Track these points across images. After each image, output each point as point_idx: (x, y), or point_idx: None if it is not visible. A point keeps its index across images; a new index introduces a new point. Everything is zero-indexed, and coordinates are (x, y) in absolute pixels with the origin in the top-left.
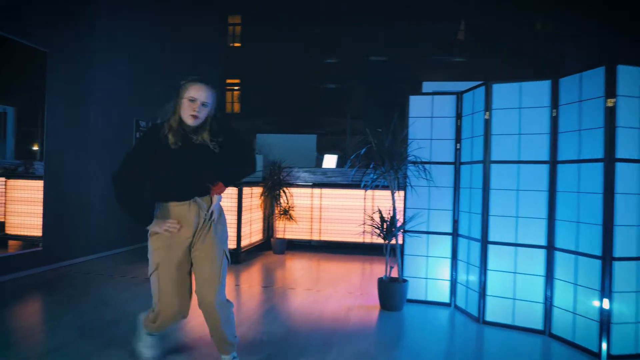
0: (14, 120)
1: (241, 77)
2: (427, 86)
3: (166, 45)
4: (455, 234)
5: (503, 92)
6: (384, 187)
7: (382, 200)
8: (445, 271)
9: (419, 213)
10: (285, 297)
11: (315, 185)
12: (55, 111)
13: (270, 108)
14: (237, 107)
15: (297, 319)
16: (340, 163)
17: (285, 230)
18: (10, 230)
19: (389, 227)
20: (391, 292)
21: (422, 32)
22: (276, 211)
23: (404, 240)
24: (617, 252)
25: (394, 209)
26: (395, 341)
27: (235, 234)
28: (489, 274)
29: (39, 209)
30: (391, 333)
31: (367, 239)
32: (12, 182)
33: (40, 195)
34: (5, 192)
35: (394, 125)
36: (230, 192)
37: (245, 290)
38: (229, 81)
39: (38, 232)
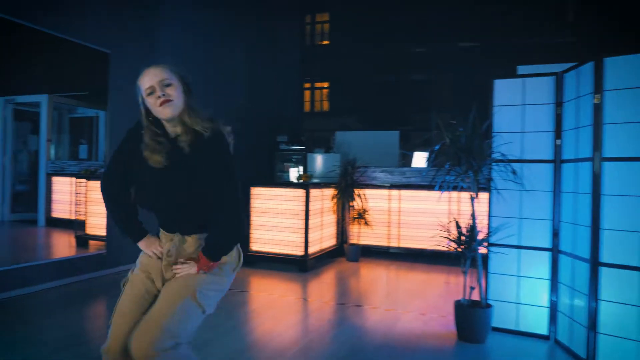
0: (106, 123)
1: (329, 75)
2: (523, 70)
3: (235, 45)
4: (555, 250)
5: (619, 68)
6: (466, 189)
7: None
8: (542, 295)
9: (507, 223)
10: (350, 315)
11: (393, 186)
12: (118, 112)
13: (359, 105)
14: (325, 105)
15: (358, 341)
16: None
17: (359, 235)
18: (90, 230)
19: (468, 239)
20: (471, 320)
21: (517, 12)
22: (349, 215)
23: (488, 256)
24: None
25: (474, 218)
26: None
27: (303, 240)
28: (602, 305)
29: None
30: None
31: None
32: (92, 184)
33: None
34: (86, 193)
35: (473, 117)
36: (297, 194)
37: (308, 304)
38: (317, 84)
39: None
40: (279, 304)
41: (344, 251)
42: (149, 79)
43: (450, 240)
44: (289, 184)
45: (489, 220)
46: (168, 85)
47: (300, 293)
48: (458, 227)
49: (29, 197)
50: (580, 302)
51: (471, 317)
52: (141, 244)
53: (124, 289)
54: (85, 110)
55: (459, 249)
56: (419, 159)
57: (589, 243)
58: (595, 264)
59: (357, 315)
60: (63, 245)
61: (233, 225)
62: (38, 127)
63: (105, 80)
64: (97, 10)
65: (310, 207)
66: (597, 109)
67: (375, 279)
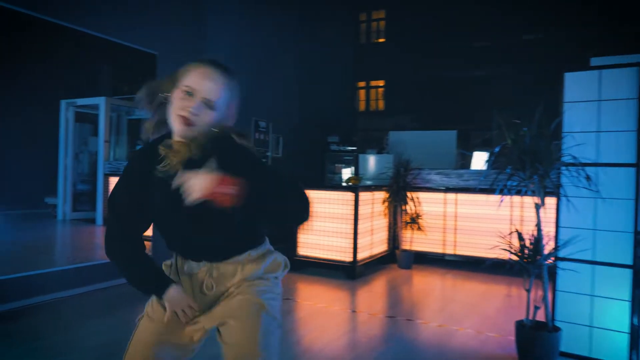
0: None
1: (385, 73)
2: (597, 62)
3: (286, 45)
4: (637, 267)
5: None
6: (530, 195)
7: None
8: (621, 319)
9: (579, 235)
10: (400, 330)
11: (449, 189)
12: None
13: (414, 103)
14: (381, 105)
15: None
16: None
17: (412, 241)
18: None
19: (532, 252)
20: (535, 344)
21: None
22: (402, 219)
23: (556, 272)
24: None
25: (539, 229)
26: None
27: (351, 246)
28: None
29: None
30: None
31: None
32: None
33: None
34: None
35: (540, 115)
36: (345, 197)
37: (356, 316)
38: (372, 83)
39: None
40: (325, 314)
41: (396, 257)
42: (198, 81)
43: (512, 252)
44: (338, 187)
45: (557, 231)
46: (208, 105)
47: (347, 303)
48: (521, 238)
49: (89, 197)
50: None
51: (535, 340)
52: (172, 299)
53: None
54: (142, 111)
55: (522, 263)
56: (479, 160)
57: None
58: None
59: (407, 330)
60: None
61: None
62: (98, 128)
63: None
64: (144, 13)
65: (360, 211)
66: None
67: (429, 289)
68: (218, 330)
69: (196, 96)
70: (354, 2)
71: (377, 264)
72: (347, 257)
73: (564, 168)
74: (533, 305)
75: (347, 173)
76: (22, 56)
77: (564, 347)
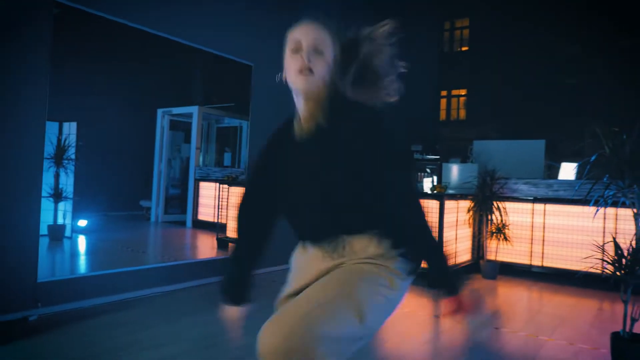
0: (248, 132)
1: (467, 82)
2: None
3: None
4: None
5: None
6: (627, 205)
7: (629, 222)
8: None
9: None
10: (487, 338)
11: (537, 200)
12: (257, 122)
13: (498, 112)
14: (462, 114)
15: None
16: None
17: (497, 251)
18: (230, 233)
19: (631, 263)
20: (631, 357)
21: None
22: (487, 229)
23: None
24: None
25: (638, 238)
26: None
27: None
28: None
29: None
30: None
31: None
32: (233, 189)
33: None
34: (228, 198)
35: None
36: (430, 205)
37: (440, 322)
38: (454, 92)
39: None
40: (408, 320)
41: (480, 268)
42: (301, 35)
43: (608, 263)
44: (423, 195)
45: None
46: (319, 53)
47: (431, 309)
48: (617, 247)
49: (180, 201)
50: None
51: (632, 352)
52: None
53: None
54: (231, 120)
55: (619, 274)
56: (567, 171)
57: None
58: None
59: (494, 339)
60: (205, 247)
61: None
62: (189, 136)
63: (247, 91)
64: (240, 23)
65: (445, 220)
66: None
67: (515, 300)
68: None
69: (302, 49)
70: (439, 10)
71: (464, 272)
72: None
73: None
74: (630, 317)
75: (428, 182)
76: (122, 66)
77: None
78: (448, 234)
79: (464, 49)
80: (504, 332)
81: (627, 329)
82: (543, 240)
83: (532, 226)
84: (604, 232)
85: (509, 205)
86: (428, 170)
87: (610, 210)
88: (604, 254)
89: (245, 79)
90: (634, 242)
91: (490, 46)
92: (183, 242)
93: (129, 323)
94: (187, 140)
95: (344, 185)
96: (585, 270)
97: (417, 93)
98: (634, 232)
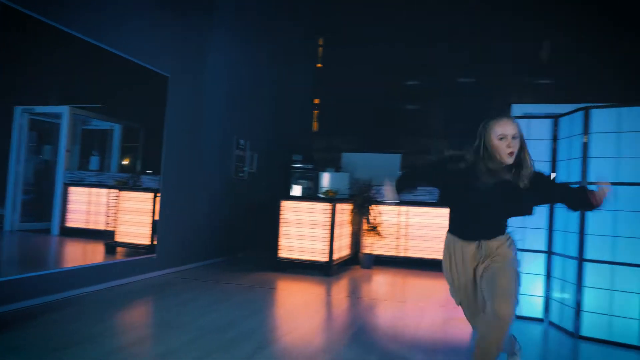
0: (120, 136)
1: (320, 97)
2: (516, 108)
3: (261, 67)
4: (549, 252)
5: (601, 116)
6: None
7: None
8: (538, 288)
9: (514, 231)
10: (382, 309)
11: (402, 203)
12: (172, 131)
13: (348, 127)
14: (315, 126)
15: (400, 326)
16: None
17: (372, 246)
18: (119, 238)
19: None
20: None
21: (506, 52)
22: (364, 227)
23: None
24: None
25: None
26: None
27: (327, 248)
28: (585, 291)
29: (146, 218)
30: None
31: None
32: (125, 194)
33: (147, 206)
34: (117, 203)
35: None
36: (324, 207)
37: (340, 300)
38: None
39: (144, 240)
40: (309, 295)
41: (359, 259)
42: (503, 128)
43: None
44: (317, 199)
45: None
46: (515, 138)
47: (326, 289)
48: None
49: (38, 206)
50: (569, 291)
51: None
52: None
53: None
54: (100, 122)
55: None
56: None
57: (577, 245)
58: (581, 260)
59: (373, 305)
60: (99, 252)
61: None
62: (51, 136)
63: (120, 92)
64: (156, 32)
65: (335, 219)
66: (585, 146)
67: (393, 281)
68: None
69: (507, 138)
70: (314, 26)
71: (343, 265)
72: (324, 258)
73: None
74: None
75: (298, 189)
76: None
77: None
78: (337, 231)
79: (318, 65)
80: (380, 301)
81: None
82: (406, 236)
83: (398, 224)
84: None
85: (381, 208)
86: (307, 178)
87: None
88: None
89: (118, 78)
90: None
91: (340, 66)
92: (66, 250)
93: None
94: (49, 141)
95: (508, 211)
96: (436, 257)
97: (295, 106)
98: None
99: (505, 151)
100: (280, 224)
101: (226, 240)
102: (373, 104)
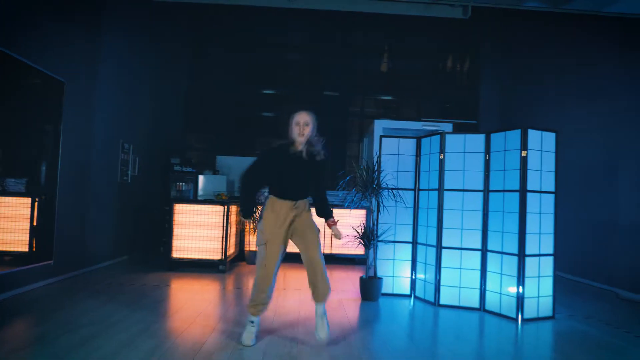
0: None
1: (194, 100)
2: (378, 124)
3: (142, 72)
4: (414, 242)
5: (452, 140)
6: (337, 207)
7: (346, 218)
8: (407, 270)
9: (389, 227)
10: (283, 294)
11: None
12: (67, 136)
13: (217, 132)
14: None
15: (308, 308)
16: None
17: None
18: None
19: (369, 237)
20: (370, 287)
21: (352, 67)
22: (248, 227)
23: (376, 248)
24: (528, 251)
25: (377, 224)
26: (377, 320)
27: (221, 246)
28: (442, 270)
29: (24, 225)
30: (373, 315)
31: (327, 250)
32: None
33: (22, 211)
34: None
35: (377, 160)
36: (217, 210)
37: (234, 292)
38: None
39: (22, 248)
40: (207, 291)
41: (245, 256)
42: (299, 117)
43: (361, 237)
44: (210, 201)
45: (377, 225)
46: (307, 125)
47: (221, 284)
48: (366, 230)
49: None
50: (430, 271)
51: (371, 285)
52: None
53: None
54: None
55: (363, 243)
56: None
57: (436, 236)
58: (439, 247)
59: (290, 294)
60: None
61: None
62: None
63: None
64: (53, 39)
65: (228, 220)
66: (442, 162)
67: (282, 274)
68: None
69: (300, 124)
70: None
71: (232, 262)
72: (217, 256)
73: (383, 190)
74: (367, 267)
75: (174, 191)
76: None
77: (383, 290)
78: (229, 231)
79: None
80: (290, 290)
81: (367, 274)
82: None
83: None
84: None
85: None
86: (186, 180)
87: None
88: (359, 233)
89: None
90: (363, 226)
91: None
92: None
93: None
94: None
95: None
96: (345, 253)
97: (172, 109)
98: (357, 224)
99: (296, 132)
100: (174, 225)
101: (116, 243)
102: (235, 110)
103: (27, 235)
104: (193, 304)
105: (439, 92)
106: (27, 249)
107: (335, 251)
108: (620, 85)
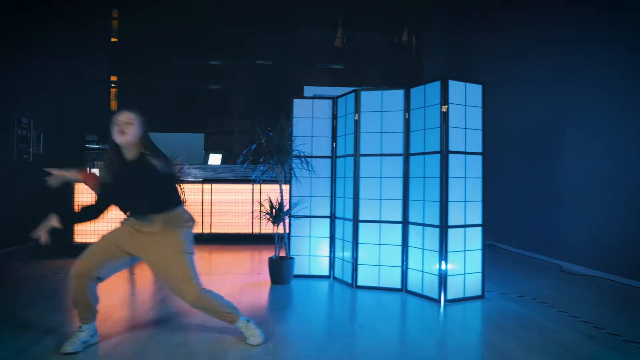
0: None
1: (118, 74)
2: (308, 90)
3: (49, 38)
4: (332, 217)
5: (369, 97)
6: (272, 182)
7: (270, 194)
8: (325, 249)
9: (303, 200)
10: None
11: (206, 181)
12: None
13: (150, 106)
14: (114, 105)
15: None
16: (225, 162)
17: None
18: None
19: (277, 212)
20: (280, 268)
21: (303, 39)
22: None
23: (290, 224)
24: (451, 221)
25: (282, 197)
26: (285, 306)
27: None
28: (360, 247)
29: None
30: (281, 301)
31: (256, 230)
32: None
33: None
34: None
35: (281, 125)
36: None
37: (144, 277)
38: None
39: None
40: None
41: None
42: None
43: (267, 214)
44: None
45: (290, 199)
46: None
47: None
48: (271, 203)
49: None
50: (348, 249)
51: (279, 266)
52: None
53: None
54: None
55: (270, 219)
56: (214, 160)
57: (352, 209)
58: (356, 221)
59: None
60: None
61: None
62: None
63: None
64: None
65: None
66: (357, 124)
67: (198, 257)
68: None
69: (121, 124)
70: None
71: None
72: None
73: (295, 158)
74: (277, 246)
75: (95, 171)
76: None
77: (296, 271)
78: None
79: (113, 39)
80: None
81: (277, 254)
82: (211, 212)
83: (202, 202)
84: (252, 202)
85: (186, 187)
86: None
87: (258, 187)
88: (264, 208)
89: None
90: (278, 201)
91: (138, 41)
92: None
93: None
94: None
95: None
96: (238, 232)
97: (89, 83)
98: (275, 199)
99: (116, 132)
100: (75, 207)
101: (14, 229)
102: (176, 83)
103: None
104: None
105: (385, 63)
106: None
107: (265, 231)
108: (571, 39)
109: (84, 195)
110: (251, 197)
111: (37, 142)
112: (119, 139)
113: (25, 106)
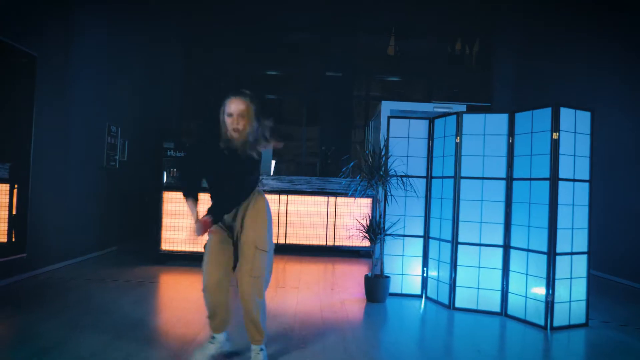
0: None
1: (190, 82)
2: (385, 105)
3: (132, 50)
4: (426, 237)
5: (470, 120)
6: (341, 195)
7: (342, 207)
8: (417, 268)
9: (398, 219)
10: (286, 294)
11: (282, 192)
12: (41, 116)
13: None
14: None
15: (307, 309)
16: (277, 169)
17: None
18: None
19: (375, 231)
20: (377, 287)
21: (360, 47)
22: None
23: (383, 242)
24: (559, 248)
25: (384, 215)
26: (386, 325)
27: None
28: (458, 269)
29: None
30: (379, 319)
31: (330, 242)
32: None
33: (2, 199)
34: None
35: (377, 144)
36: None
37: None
38: None
39: (2, 238)
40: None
41: None
42: (233, 106)
43: (366, 231)
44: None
45: (384, 217)
46: (242, 116)
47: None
48: (371, 222)
49: None
50: (444, 269)
51: (377, 285)
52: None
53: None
54: None
55: (368, 237)
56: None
57: (451, 230)
58: (455, 243)
59: (281, 292)
60: None
61: None
62: None
63: None
64: (21, 10)
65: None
66: (458, 146)
67: (284, 268)
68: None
69: (234, 115)
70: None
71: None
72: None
73: (391, 177)
74: (373, 264)
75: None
76: None
77: (390, 290)
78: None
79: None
80: (286, 289)
81: (373, 272)
82: (286, 223)
83: (279, 213)
84: (327, 215)
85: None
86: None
87: (332, 200)
88: (363, 226)
89: None
90: (369, 218)
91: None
92: None
93: None
94: None
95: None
96: (316, 244)
97: (167, 90)
98: (355, 214)
99: (228, 126)
100: (163, 215)
101: (103, 234)
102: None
103: (6, 224)
104: (177, 305)
105: (449, 74)
106: (5, 240)
107: (338, 243)
108: None
109: (172, 204)
110: (326, 210)
111: (123, 149)
112: (232, 135)
113: (113, 114)
